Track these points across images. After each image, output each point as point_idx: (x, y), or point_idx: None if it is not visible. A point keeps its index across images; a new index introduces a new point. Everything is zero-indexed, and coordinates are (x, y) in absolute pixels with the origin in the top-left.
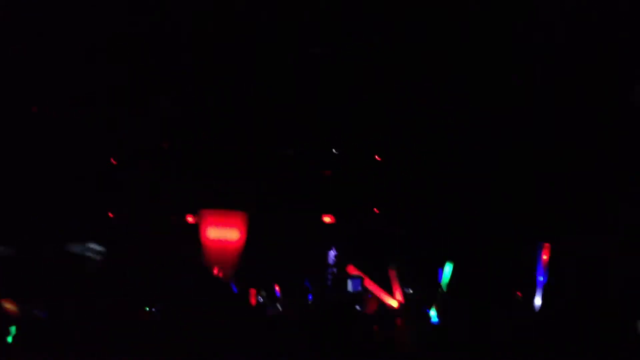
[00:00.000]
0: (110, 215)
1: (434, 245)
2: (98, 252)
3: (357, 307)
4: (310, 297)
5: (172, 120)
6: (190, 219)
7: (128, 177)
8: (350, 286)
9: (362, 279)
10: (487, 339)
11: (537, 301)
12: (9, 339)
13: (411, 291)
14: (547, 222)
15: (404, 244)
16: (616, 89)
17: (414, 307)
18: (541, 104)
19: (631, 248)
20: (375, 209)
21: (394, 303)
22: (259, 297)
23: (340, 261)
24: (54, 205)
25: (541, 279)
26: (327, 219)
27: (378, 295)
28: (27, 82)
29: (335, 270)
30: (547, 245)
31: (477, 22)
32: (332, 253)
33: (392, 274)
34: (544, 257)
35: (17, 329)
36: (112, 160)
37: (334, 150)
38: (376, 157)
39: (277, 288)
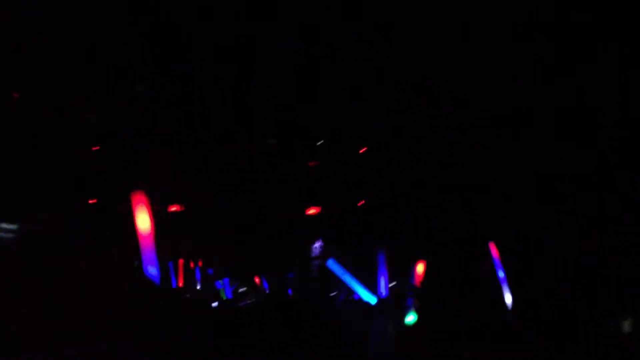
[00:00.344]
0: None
1: (413, 239)
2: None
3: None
4: (290, 291)
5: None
6: (173, 208)
7: (112, 168)
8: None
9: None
10: (463, 336)
11: (508, 298)
12: None
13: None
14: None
15: (387, 237)
16: (616, 89)
17: (391, 301)
18: (541, 104)
19: (627, 250)
20: (359, 202)
21: (372, 300)
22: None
23: (325, 253)
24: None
25: (501, 274)
26: (311, 211)
27: (355, 291)
28: (26, 81)
29: (319, 262)
30: (492, 244)
31: (477, 22)
32: (317, 245)
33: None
34: (493, 253)
35: None
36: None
37: (318, 143)
38: (360, 150)
39: (257, 280)
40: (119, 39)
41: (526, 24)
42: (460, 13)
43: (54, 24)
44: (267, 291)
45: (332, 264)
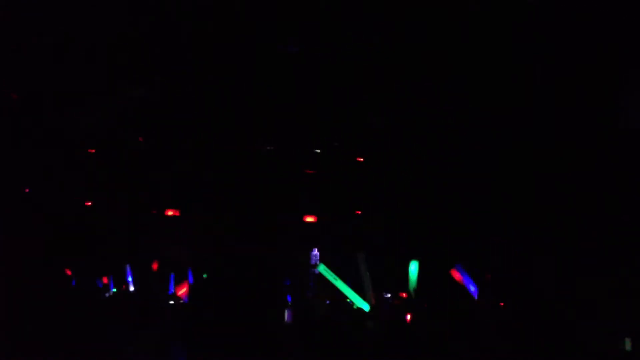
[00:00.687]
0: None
1: (411, 247)
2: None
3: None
4: (289, 298)
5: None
6: (170, 212)
7: (112, 170)
8: None
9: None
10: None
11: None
12: None
13: (389, 295)
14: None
15: (382, 245)
16: (617, 89)
17: (387, 311)
18: (541, 104)
19: (627, 250)
20: (357, 211)
21: (365, 307)
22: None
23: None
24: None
25: (472, 288)
26: (309, 219)
27: (350, 299)
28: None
29: (317, 271)
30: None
31: (477, 22)
32: (314, 253)
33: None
34: (456, 276)
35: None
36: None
37: (317, 150)
38: (359, 159)
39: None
40: (119, 39)
41: (526, 24)
42: (460, 13)
43: (54, 24)
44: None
45: (323, 269)
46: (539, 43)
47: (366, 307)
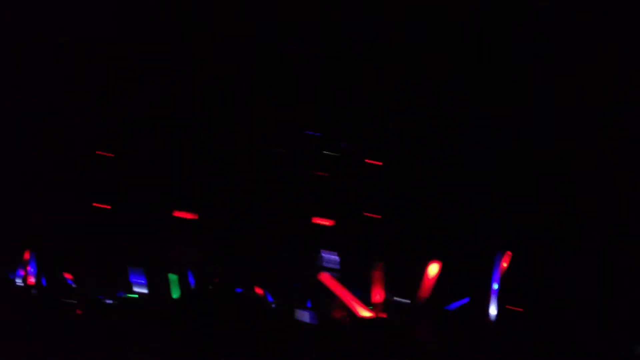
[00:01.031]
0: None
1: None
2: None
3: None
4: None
5: (165, 115)
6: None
7: (122, 172)
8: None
9: None
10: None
11: (492, 310)
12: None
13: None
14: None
15: (393, 247)
16: (617, 89)
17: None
18: (541, 104)
19: (627, 250)
20: (366, 213)
21: (365, 313)
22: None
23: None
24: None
25: (495, 286)
26: (318, 221)
27: (349, 305)
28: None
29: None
30: (508, 253)
31: (477, 22)
32: (324, 255)
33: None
34: (503, 264)
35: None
36: (106, 154)
37: (326, 152)
38: (367, 160)
39: (259, 291)
40: (119, 39)
41: (526, 24)
42: (460, 13)
43: (54, 24)
44: (271, 301)
45: (326, 277)
46: (539, 43)
47: (368, 315)
